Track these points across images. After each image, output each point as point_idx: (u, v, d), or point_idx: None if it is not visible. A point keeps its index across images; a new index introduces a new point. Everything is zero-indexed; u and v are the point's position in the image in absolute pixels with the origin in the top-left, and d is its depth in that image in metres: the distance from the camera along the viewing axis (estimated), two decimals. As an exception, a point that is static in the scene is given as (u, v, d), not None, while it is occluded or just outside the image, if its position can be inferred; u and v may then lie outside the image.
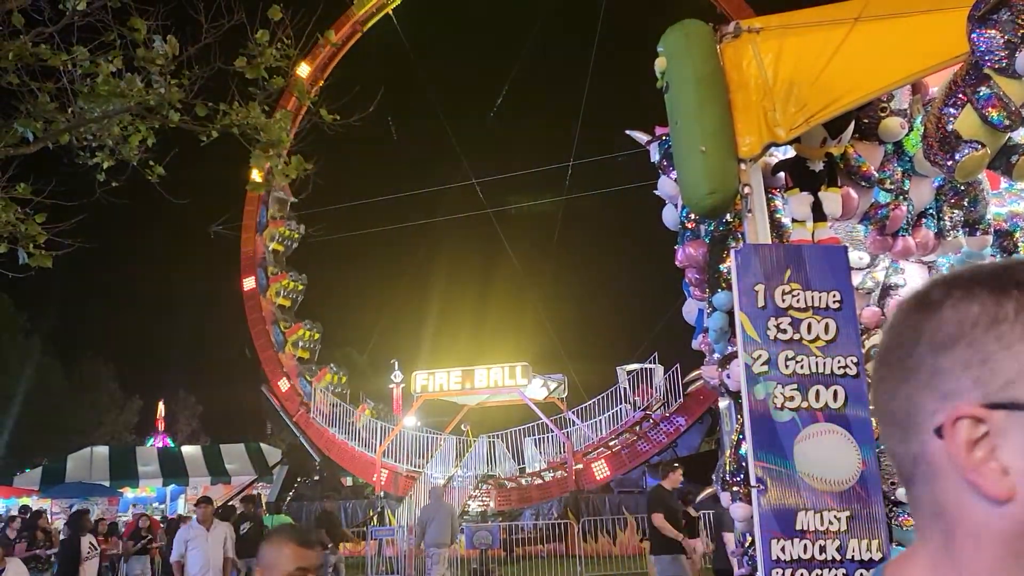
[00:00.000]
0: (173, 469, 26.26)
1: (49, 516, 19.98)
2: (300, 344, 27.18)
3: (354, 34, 28.21)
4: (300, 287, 27.81)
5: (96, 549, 11.40)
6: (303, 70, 25.37)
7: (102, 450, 27.56)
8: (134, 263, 59.94)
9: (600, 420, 22.34)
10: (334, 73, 27.74)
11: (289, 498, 24.67)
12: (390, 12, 27.93)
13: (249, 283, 27.10)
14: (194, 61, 8.20)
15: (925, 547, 0.73)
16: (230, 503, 20.93)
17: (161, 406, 40.76)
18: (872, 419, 4.43)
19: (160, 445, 34.09)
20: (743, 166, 4.13)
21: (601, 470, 20.69)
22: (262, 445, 28.78)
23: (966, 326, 0.71)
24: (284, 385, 26.23)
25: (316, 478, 26.32)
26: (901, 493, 5.37)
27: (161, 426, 39.87)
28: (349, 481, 27.19)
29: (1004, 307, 0.70)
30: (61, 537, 12.98)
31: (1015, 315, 0.69)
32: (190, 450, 28.89)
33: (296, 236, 27.67)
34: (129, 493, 26.28)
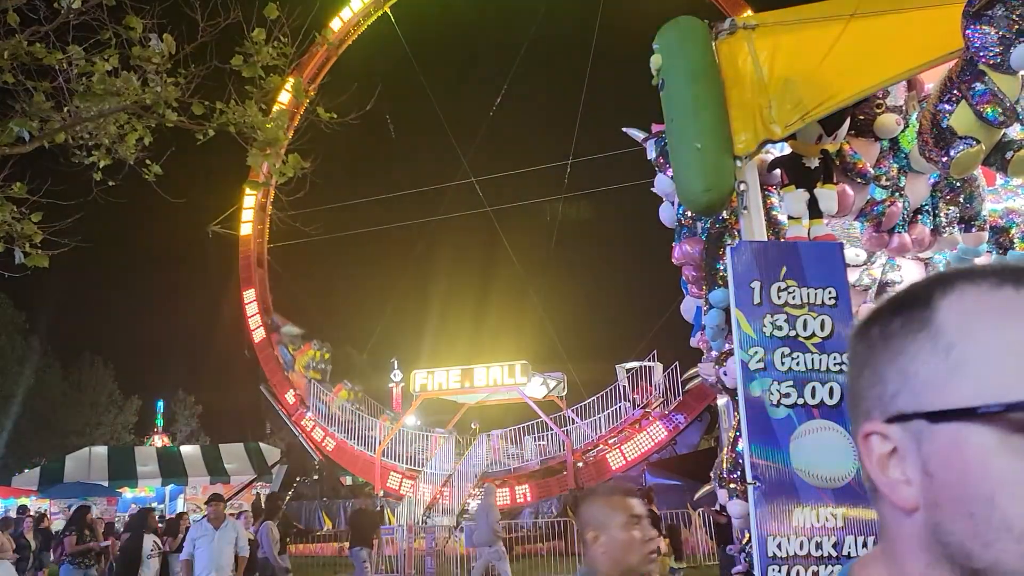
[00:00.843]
0: (172, 469, 26.25)
1: (48, 516, 19.99)
2: (311, 366, 27.06)
3: (349, 35, 28.19)
4: (327, 355, 27.59)
5: (159, 549, 11.43)
6: (299, 68, 25.36)
7: (101, 450, 27.55)
8: (132, 262, 59.87)
9: (600, 418, 22.35)
10: (332, 71, 27.72)
11: (288, 497, 24.67)
12: (387, 10, 27.91)
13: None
14: (190, 59, 8.19)
15: (882, 550, 0.76)
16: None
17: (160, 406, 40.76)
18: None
19: (159, 445, 34.12)
20: (739, 163, 4.13)
21: (616, 460, 20.66)
22: (261, 445, 28.76)
23: (870, 347, 0.75)
24: (291, 398, 26.23)
25: (315, 477, 26.32)
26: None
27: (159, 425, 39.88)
28: (348, 480, 27.21)
29: (893, 322, 0.73)
30: (123, 534, 13.11)
31: (900, 327, 0.72)
32: (189, 450, 28.87)
33: (327, 355, 27.48)
34: (128, 493, 26.27)
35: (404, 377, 27.70)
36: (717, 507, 11.64)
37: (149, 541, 10.98)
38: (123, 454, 27.63)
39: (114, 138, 8.47)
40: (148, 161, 8.74)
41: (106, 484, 24.73)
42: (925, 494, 0.68)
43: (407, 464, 24.09)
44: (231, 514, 10.59)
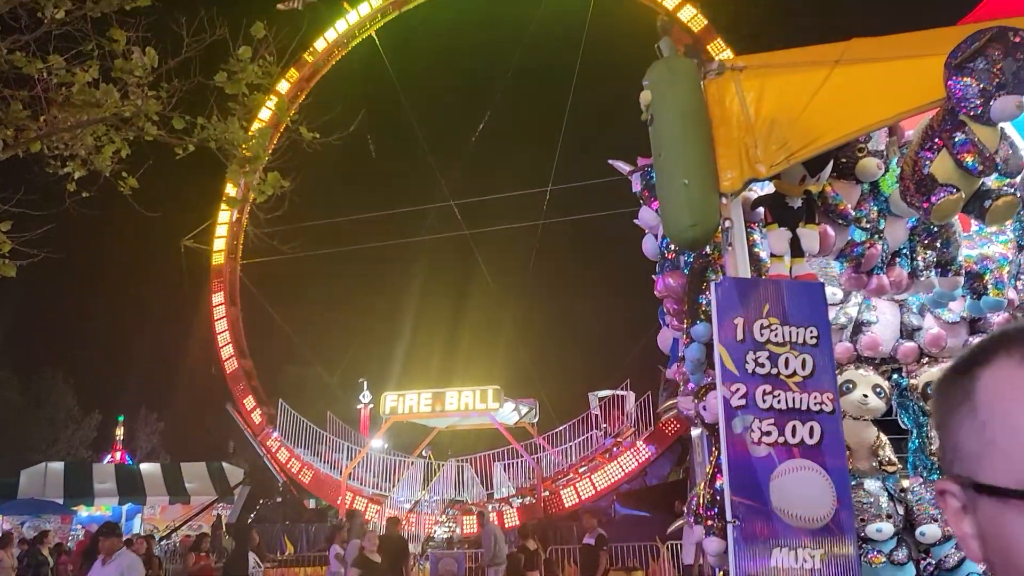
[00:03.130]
0: (130, 487, 25.62)
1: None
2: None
3: (332, 55, 28.22)
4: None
5: (260, 566, 11.16)
6: (283, 87, 25.32)
7: (57, 466, 26.82)
8: (100, 274, 58.84)
9: (570, 446, 22.28)
10: (315, 90, 27.68)
11: (251, 520, 24.17)
12: (373, 34, 28.02)
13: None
14: (173, 74, 8.13)
15: None
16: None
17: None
18: (847, 456, 4.46)
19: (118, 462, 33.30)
20: (724, 200, 4.18)
21: (570, 497, 20.58)
22: (224, 464, 28.24)
23: (944, 405, 0.78)
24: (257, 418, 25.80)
25: (279, 499, 25.84)
26: (871, 530, 5.39)
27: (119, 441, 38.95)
28: (312, 504, 26.74)
29: (950, 389, 0.76)
30: (228, 551, 12.94)
31: (952, 396, 0.76)
32: (149, 468, 28.23)
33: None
34: (83, 511, 25.56)
35: (373, 399, 27.41)
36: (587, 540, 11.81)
37: (252, 559, 10.80)
38: (80, 471, 26.91)
39: (90, 149, 8.35)
40: (124, 173, 8.63)
41: (61, 502, 24.05)
42: (985, 552, 0.71)
43: (373, 489, 23.77)
44: (143, 538, 10.08)
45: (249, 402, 26.09)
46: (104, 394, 46.60)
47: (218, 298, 27.15)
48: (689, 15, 23.40)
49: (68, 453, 39.64)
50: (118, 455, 37.04)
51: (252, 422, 26.02)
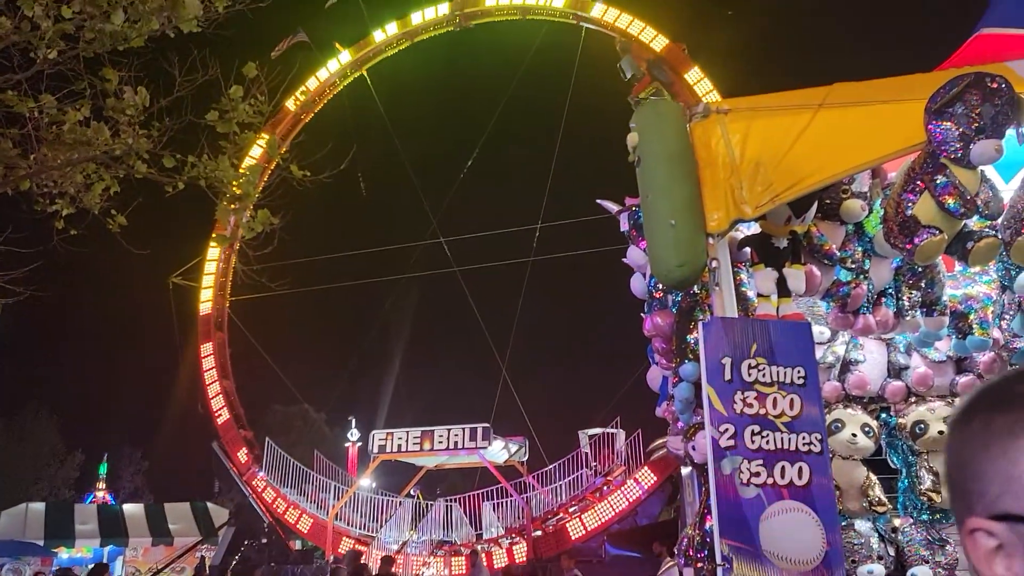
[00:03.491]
0: (112, 528, 25.10)
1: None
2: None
3: (325, 93, 28.51)
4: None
5: None
6: (274, 125, 25.50)
7: (38, 507, 26.28)
8: (87, 312, 58.48)
9: (560, 485, 22.06)
10: (306, 128, 27.88)
11: (235, 562, 23.72)
12: (364, 73, 28.34)
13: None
14: (165, 113, 8.18)
15: None
16: None
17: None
18: (835, 497, 4.45)
19: (101, 502, 32.72)
20: (711, 240, 4.21)
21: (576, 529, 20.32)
22: (209, 504, 27.75)
23: (970, 443, 0.76)
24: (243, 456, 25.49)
25: (264, 540, 25.40)
26: (862, 572, 5.35)
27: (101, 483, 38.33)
28: (298, 544, 26.29)
29: (995, 421, 0.74)
30: None
31: (1001, 427, 0.74)
32: (132, 508, 27.70)
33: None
34: (64, 553, 25.01)
35: (362, 437, 27.13)
36: None
37: None
38: (61, 511, 26.38)
39: (80, 187, 8.36)
40: (113, 211, 8.63)
41: (41, 543, 23.54)
42: None
43: (360, 529, 23.41)
44: None
45: (235, 441, 25.79)
46: (88, 432, 46.03)
47: (205, 336, 26.98)
48: (675, 56, 23.79)
49: (50, 492, 38.92)
50: (101, 495, 36.41)
51: (238, 461, 25.69)
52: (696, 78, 23.07)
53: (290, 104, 26.93)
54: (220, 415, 26.23)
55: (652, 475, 19.80)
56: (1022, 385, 0.75)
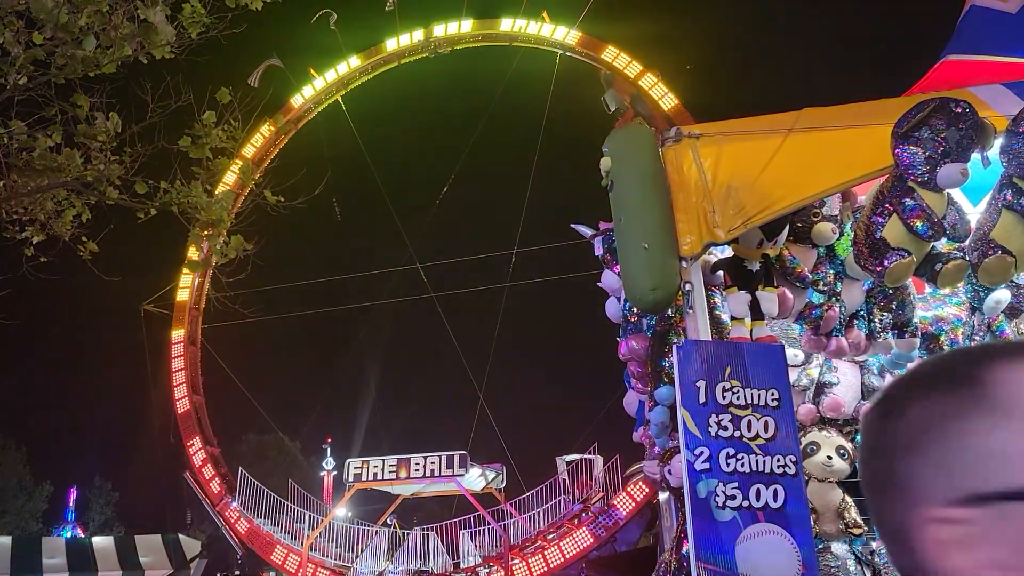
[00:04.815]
0: (81, 562, 24.43)
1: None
2: None
3: (301, 119, 28.51)
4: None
5: None
6: (247, 151, 25.41)
7: (4, 540, 25.55)
8: (56, 340, 57.43)
9: (538, 512, 21.89)
10: (280, 154, 27.82)
11: (207, 594, 23.19)
12: (339, 99, 28.41)
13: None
14: (137, 139, 8.12)
15: None
16: None
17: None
18: (811, 520, 4.44)
19: (70, 535, 31.91)
20: (684, 264, 4.23)
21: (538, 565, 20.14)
22: (180, 536, 27.15)
23: (923, 426, 0.71)
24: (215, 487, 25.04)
25: (237, 573, 24.89)
26: (840, 594, 5.34)
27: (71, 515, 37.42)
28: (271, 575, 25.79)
29: (951, 401, 0.70)
30: None
31: (960, 407, 0.69)
32: (101, 541, 26.98)
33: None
34: (30, 588, 24.31)
35: (337, 466, 26.79)
36: None
37: None
38: (28, 545, 25.65)
39: (50, 214, 8.25)
40: (84, 238, 8.51)
41: (6, 579, 22.85)
42: None
43: (336, 560, 23.02)
44: None
45: (208, 471, 25.33)
46: (57, 463, 44.99)
47: (178, 363, 26.59)
48: (650, 83, 24.14)
49: (17, 526, 37.91)
50: (69, 528, 35.53)
51: (211, 491, 25.22)
52: (670, 105, 23.41)
53: (264, 130, 26.86)
54: (192, 445, 25.77)
55: (631, 501, 19.73)
56: (966, 364, 0.71)
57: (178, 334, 26.53)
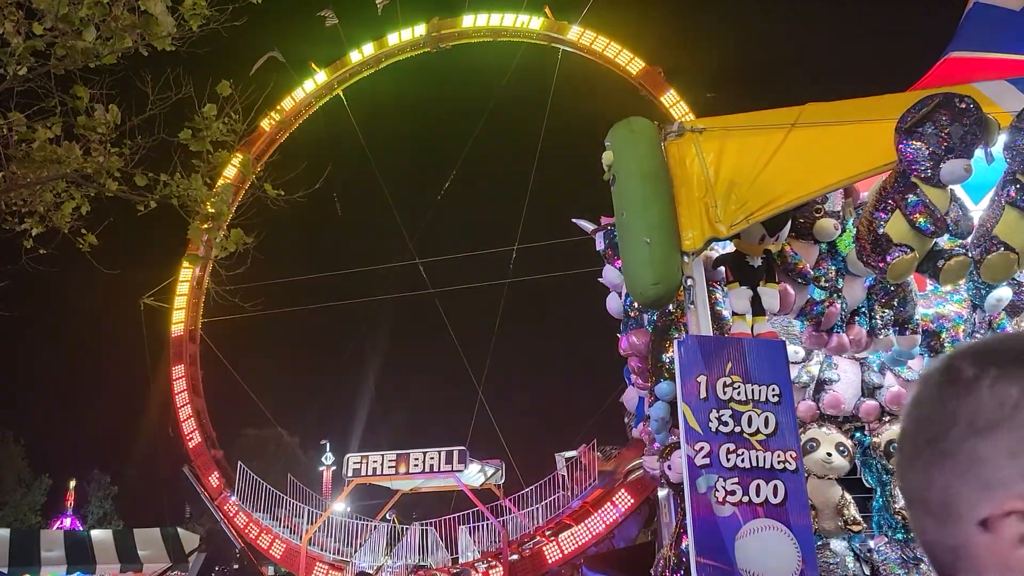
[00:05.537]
0: (79, 555, 24.48)
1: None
2: None
3: (300, 113, 28.46)
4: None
5: None
6: (248, 144, 25.37)
7: (2, 533, 25.61)
8: (56, 333, 57.41)
9: (537, 508, 21.90)
10: (281, 148, 27.79)
11: (206, 588, 23.23)
12: (340, 93, 28.35)
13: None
14: (137, 131, 8.09)
15: None
16: None
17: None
18: (811, 516, 4.43)
19: (68, 528, 31.95)
20: (686, 259, 4.22)
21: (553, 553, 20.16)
22: (179, 530, 27.19)
23: (1007, 409, 0.65)
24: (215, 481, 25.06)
25: (236, 566, 24.92)
26: (839, 591, 5.33)
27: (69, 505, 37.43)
28: (271, 570, 25.82)
29: None
30: None
31: None
32: (100, 534, 27.03)
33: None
34: (28, 581, 24.35)
35: (336, 461, 26.80)
36: None
37: None
38: (27, 538, 25.69)
39: (49, 206, 8.23)
40: (83, 230, 8.50)
41: (5, 571, 22.89)
42: None
43: (334, 555, 23.04)
44: None
45: (207, 465, 25.35)
46: (56, 456, 45.02)
47: (177, 358, 26.58)
48: (651, 79, 24.08)
49: (16, 519, 37.94)
50: (68, 521, 35.55)
51: (210, 485, 25.24)
52: (672, 100, 23.37)
53: (265, 124, 26.82)
54: (191, 438, 25.79)
55: (629, 497, 19.73)
56: None
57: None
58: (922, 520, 0.71)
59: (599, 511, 20.15)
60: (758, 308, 4.59)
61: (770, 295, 4.59)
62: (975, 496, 0.65)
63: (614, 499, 20.07)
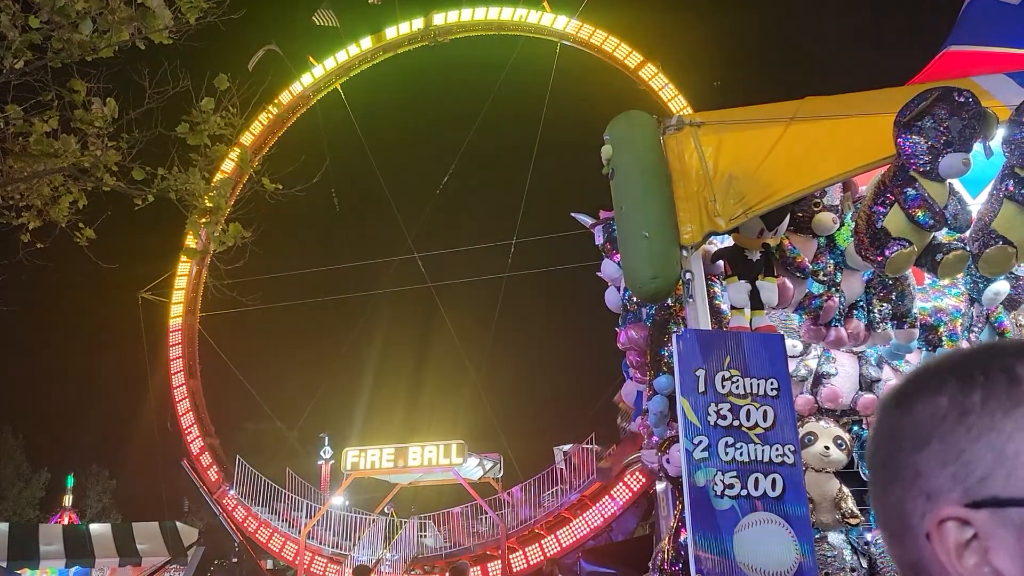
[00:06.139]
0: (78, 549, 24.46)
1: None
2: None
3: (298, 107, 28.39)
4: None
5: None
6: (246, 138, 25.31)
7: (1, 527, 25.63)
8: (53, 327, 57.29)
9: (535, 501, 21.96)
10: (279, 142, 27.73)
11: (204, 582, 23.27)
12: (338, 87, 28.29)
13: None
14: (134, 125, 8.07)
15: None
16: None
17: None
18: (809, 510, 4.45)
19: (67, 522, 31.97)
20: (685, 253, 4.22)
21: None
22: (178, 524, 27.21)
23: (936, 420, 0.67)
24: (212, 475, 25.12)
25: (235, 560, 24.97)
26: (837, 584, 5.35)
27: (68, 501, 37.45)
28: (269, 564, 25.87)
29: (971, 397, 0.66)
30: None
31: (982, 404, 0.66)
32: (98, 528, 27.02)
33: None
34: (27, 575, 24.38)
35: (335, 455, 26.81)
36: None
37: None
38: (25, 532, 25.68)
39: (47, 200, 8.21)
40: (81, 224, 8.47)
41: (4, 565, 22.91)
42: None
43: (333, 548, 23.09)
44: None
45: (205, 459, 25.38)
46: (54, 450, 45.00)
47: (175, 351, 26.58)
48: (650, 73, 24.05)
49: (15, 513, 37.97)
50: (67, 516, 35.58)
51: (208, 479, 25.27)
52: (670, 95, 23.35)
53: (262, 118, 26.75)
54: (189, 432, 25.81)
55: (627, 491, 19.79)
56: (991, 359, 0.67)
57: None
58: (888, 541, 0.73)
59: (597, 504, 20.21)
60: (756, 302, 4.59)
61: (768, 289, 4.59)
62: (920, 510, 0.67)
63: (612, 493, 20.13)
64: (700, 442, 3.86)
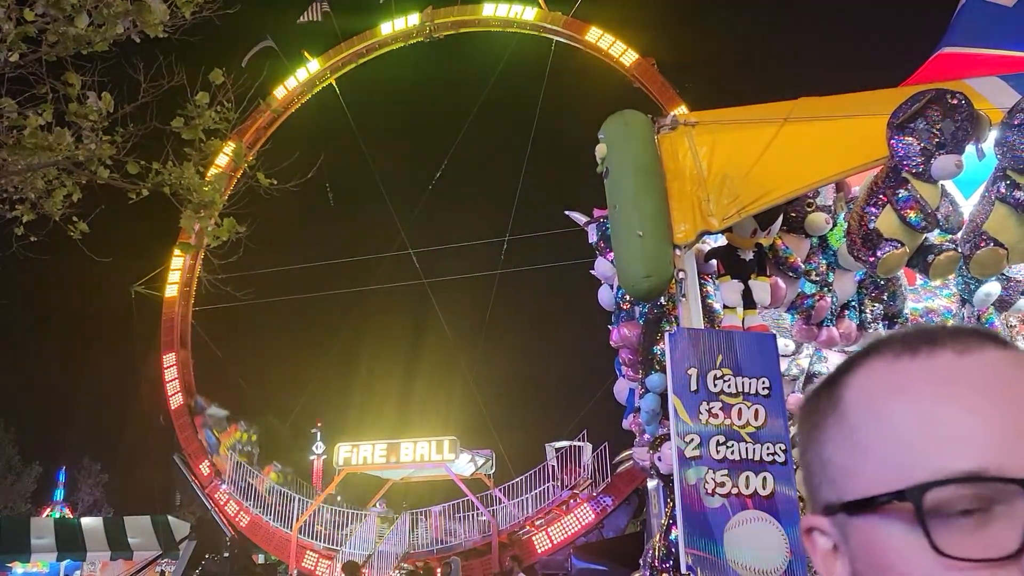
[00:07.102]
0: (70, 542, 24.44)
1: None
2: (237, 448, 25.87)
3: (293, 102, 28.32)
4: (254, 437, 26.51)
5: None
6: (241, 133, 25.24)
7: (-8, 520, 25.58)
8: (46, 320, 57.06)
9: (527, 498, 21.99)
10: (274, 136, 27.65)
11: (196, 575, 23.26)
12: (333, 82, 28.21)
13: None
14: (129, 119, 8.04)
15: None
16: None
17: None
18: (799, 509, 4.48)
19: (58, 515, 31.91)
20: (678, 252, 4.24)
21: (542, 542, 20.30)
22: (169, 518, 27.17)
23: (802, 432, 0.67)
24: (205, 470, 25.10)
25: (226, 554, 24.94)
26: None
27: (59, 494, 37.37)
28: (261, 558, 25.85)
29: (816, 407, 0.66)
30: None
31: (818, 411, 0.65)
32: (90, 522, 26.99)
33: (254, 437, 26.43)
34: (19, 568, 24.33)
35: (327, 450, 26.83)
36: None
37: None
38: (17, 526, 25.68)
39: (41, 193, 8.18)
40: (75, 218, 8.45)
41: (-5, 558, 22.87)
42: None
43: (325, 543, 23.08)
44: None
45: (197, 453, 25.34)
46: (46, 444, 44.81)
47: (168, 346, 26.52)
48: (645, 72, 24.04)
49: (6, 506, 37.88)
50: (59, 509, 35.48)
51: (200, 473, 25.24)
52: (666, 94, 23.34)
53: (257, 112, 26.68)
54: (181, 421, 25.76)
55: (616, 490, 19.84)
56: (838, 370, 0.66)
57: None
58: None
59: (587, 503, 20.25)
60: (749, 301, 4.62)
61: (761, 288, 4.62)
62: (803, 520, 0.67)
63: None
64: (692, 440, 3.89)
